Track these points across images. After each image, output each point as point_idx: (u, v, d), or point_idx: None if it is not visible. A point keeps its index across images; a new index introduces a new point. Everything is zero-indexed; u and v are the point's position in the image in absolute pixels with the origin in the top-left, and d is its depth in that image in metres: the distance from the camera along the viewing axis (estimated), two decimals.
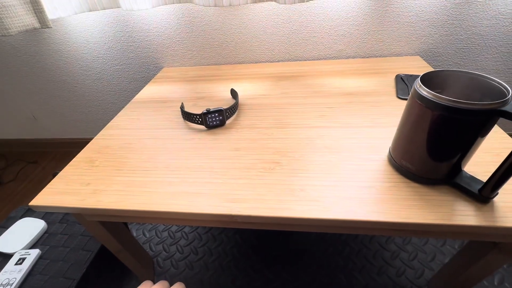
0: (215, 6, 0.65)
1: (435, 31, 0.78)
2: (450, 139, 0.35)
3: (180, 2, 0.73)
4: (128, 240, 0.64)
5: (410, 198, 0.39)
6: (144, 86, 0.86)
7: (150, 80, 0.90)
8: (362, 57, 0.86)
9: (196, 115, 0.59)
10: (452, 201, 0.38)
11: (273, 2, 0.72)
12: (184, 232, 0.87)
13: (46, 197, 0.46)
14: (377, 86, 0.68)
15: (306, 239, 0.81)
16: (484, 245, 0.46)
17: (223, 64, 0.94)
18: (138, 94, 0.78)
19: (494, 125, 0.33)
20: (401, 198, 0.39)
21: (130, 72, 1.00)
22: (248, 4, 0.76)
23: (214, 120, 0.59)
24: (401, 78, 0.69)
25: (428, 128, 0.35)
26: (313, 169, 0.46)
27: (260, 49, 0.89)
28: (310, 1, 0.74)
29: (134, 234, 0.89)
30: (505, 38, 0.77)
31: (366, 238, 0.79)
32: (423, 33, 0.78)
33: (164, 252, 0.82)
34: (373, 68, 0.78)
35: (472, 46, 0.79)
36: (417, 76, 0.33)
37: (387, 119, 0.56)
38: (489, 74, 0.84)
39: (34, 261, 0.61)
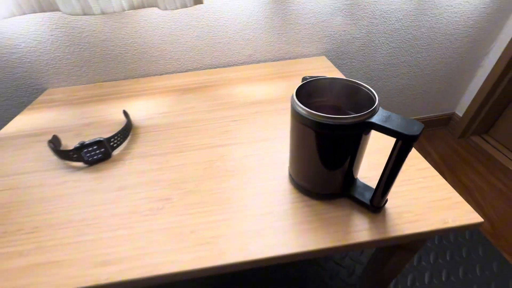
0: (84, 14, 0.54)
1: (334, 31, 0.80)
2: (329, 153, 0.32)
3: (43, 11, 0.59)
4: None
5: (307, 220, 0.36)
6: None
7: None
8: (272, 61, 0.84)
9: (69, 151, 0.47)
10: (347, 216, 0.36)
11: (155, 8, 0.64)
12: None
13: None
14: (284, 92, 0.66)
15: None
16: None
17: (124, 79, 0.81)
18: (4, 128, 0.62)
19: (370, 132, 0.32)
20: (298, 222, 0.36)
21: (1, 99, 0.80)
22: (126, 11, 0.66)
23: (94, 154, 0.48)
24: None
25: (306, 143, 0.32)
26: (207, 201, 0.40)
27: (163, 60, 0.79)
28: (197, 5, 0.68)
29: None
30: (394, 34, 0.83)
31: None
32: (324, 33, 0.80)
33: None
34: (281, 71, 0.76)
35: (368, 43, 0.84)
36: (321, 78, 0.32)
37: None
38: (386, 68, 0.91)
39: None
